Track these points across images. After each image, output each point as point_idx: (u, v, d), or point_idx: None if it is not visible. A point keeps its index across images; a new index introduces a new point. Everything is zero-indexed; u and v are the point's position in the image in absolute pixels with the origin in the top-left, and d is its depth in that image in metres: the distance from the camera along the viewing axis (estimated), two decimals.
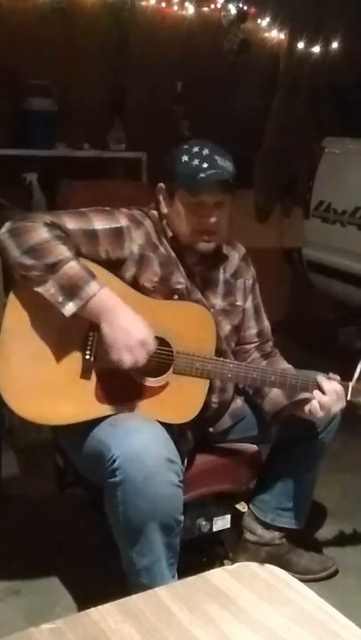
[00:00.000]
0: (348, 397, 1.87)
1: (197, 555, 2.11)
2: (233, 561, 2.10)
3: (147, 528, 1.66)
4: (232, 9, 4.00)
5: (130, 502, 1.65)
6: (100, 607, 1.19)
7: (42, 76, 3.70)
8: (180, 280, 1.87)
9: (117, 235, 1.81)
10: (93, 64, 3.91)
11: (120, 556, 1.74)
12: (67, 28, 3.73)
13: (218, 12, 4.05)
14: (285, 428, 2.03)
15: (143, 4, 3.90)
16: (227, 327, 1.98)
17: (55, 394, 1.76)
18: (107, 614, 1.17)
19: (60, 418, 1.77)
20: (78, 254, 1.74)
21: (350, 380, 1.87)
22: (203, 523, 2.02)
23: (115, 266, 1.81)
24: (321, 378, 1.85)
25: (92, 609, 1.18)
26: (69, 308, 1.66)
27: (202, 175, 1.79)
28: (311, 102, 4.36)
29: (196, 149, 1.83)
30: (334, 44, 4.40)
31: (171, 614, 1.18)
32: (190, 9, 4.02)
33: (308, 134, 4.24)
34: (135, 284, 1.82)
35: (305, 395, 1.87)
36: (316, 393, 1.84)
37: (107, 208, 1.86)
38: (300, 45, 4.36)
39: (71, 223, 1.77)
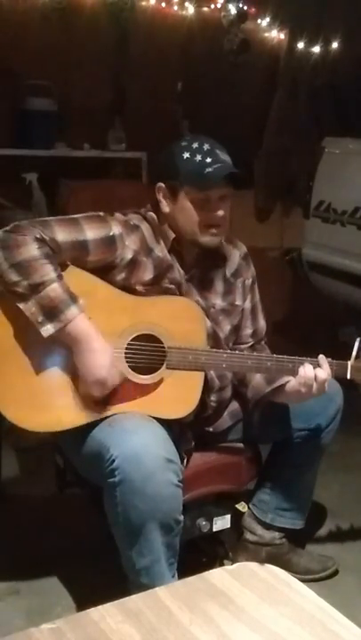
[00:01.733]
0: (349, 376, 1.86)
1: (197, 555, 2.11)
2: (233, 561, 2.10)
3: (146, 528, 1.66)
4: (232, 9, 4.01)
5: (129, 502, 1.65)
6: (100, 607, 1.19)
7: (42, 76, 3.70)
8: (173, 281, 1.87)
9: (109, 243, 1.81)
10: (93, 64, 3.92)
11: (120, 555, 1.74)
12: (67, 28, 3.73)
13: (218, 11, 4.06)
14: (286, 428, 2.03)
15: (143, 3, 3.90)
16: (227, 327, 1.98)
17: (52, 401, 1.77)
18: (107, 614, 1.17)
19: (60, 424, 1.77)
20: (65, 266, 1.75)
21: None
22: (203, 523, 2.02)
23: (104, 270, 1.82)
24: (313, 361, 1.84)
25: (92, 609, 1.18)
26: (48, 330, 1.68)
27: (209, 170, 1.80)
28: (311, 102, 4.36)
29: (195, 145, 1.84)
30: (334, 44, 4.40)
31: (171, 614, 1.18)
32: (190, 9, 4.03)
33: (308, 134, 4.24)
34: (126, 286, 1.83)
35: (288, 378, 1.87)
36: (300, 371, 1.82)
37: (100, 214, 1.85)
38: (300, 45, 4.36)
39: (62, 234, 1.76)
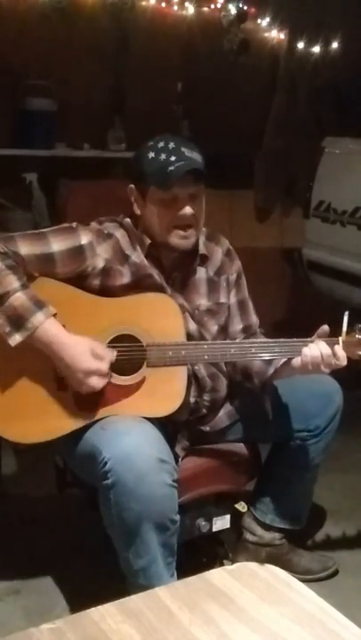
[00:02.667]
0: None
1: (197, 555, 2.11)
2: (233, 561, 2.10)
3: (141, 529, 1.67)
4: (232, 9, 4.00)
5: (123, 504, 1.65)
6: (100, 607, 1.19)
7: (42, 76, 3.70)
8: (154, 286, 1.86)
9: (77, 253, 1.81)
10: (93, 64, 3.91)
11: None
12: (67, 28, 3.73)
13: (218, 11, 4.04)
14: (285, 428, 2.03)
15: (143, 3, 3.89)
16: (213, 327, 1.96)
17: (38, 412, 1.77)
18: (107, 614, 1.17)
19: (48, 434, 1.78)
20: (34, 277, 1.75)
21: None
22: (202, 523, 2.02)
23: (79, 279, 1.82)
24: (308, 341, 1.82)
25: (92, 609, 1.18)
26: (15, 339, 1.69)
27: (171, 168, 1.78)
28: (311, 102, 4.35)
29: (161, 144, 1.83)
30: (334, 44, 4.39)
31: (171, 614, 1.18)
32: (190, 9, 4.01)
33: (308, 134, 4.24)
34: (103, 292, 1.83)
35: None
36: (304, 350, 1.80)
37: (72, 225, 1.85)
38: (300, 45, 4.36)
39: (25, 248, 1.76)
